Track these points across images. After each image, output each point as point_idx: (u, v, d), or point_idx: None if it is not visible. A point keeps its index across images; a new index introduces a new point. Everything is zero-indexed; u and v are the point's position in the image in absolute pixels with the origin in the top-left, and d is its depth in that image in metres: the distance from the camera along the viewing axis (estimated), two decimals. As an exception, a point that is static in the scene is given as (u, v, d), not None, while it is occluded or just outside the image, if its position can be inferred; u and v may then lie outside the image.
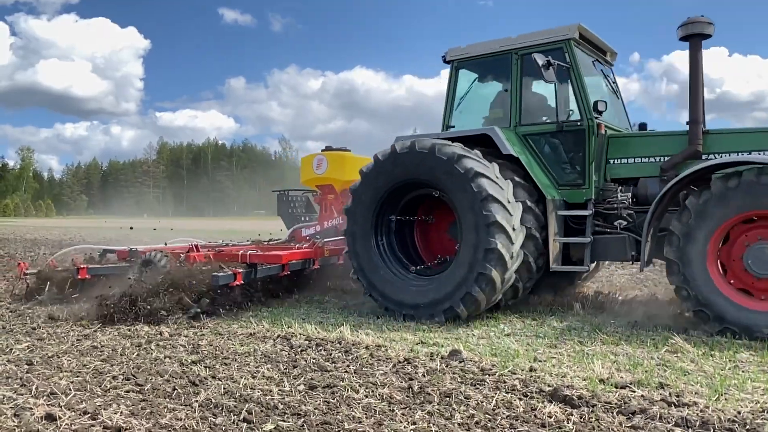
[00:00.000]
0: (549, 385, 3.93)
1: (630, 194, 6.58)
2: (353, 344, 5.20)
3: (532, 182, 6.60)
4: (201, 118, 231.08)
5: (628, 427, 3.23)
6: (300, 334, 5.66)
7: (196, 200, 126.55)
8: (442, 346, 5.17)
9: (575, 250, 6.64)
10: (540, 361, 4.66)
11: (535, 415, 3.42)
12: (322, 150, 9.98)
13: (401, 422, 3.34)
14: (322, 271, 8.31)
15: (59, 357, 4.87)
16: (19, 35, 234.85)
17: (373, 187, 6.80)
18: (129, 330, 5.88)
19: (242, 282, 6.67)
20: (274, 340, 5.44)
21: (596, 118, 6.54)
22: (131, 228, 32.35)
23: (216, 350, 5.11)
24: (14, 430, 3.23)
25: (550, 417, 3.38)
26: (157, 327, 6.02)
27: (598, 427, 3.23)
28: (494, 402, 3.65)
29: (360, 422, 3.34)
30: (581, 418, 3.37)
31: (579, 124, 6.61)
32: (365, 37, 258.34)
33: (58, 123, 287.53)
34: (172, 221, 55.51)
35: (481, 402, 3.66)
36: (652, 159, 6.54)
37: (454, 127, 7.50)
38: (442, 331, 5.85)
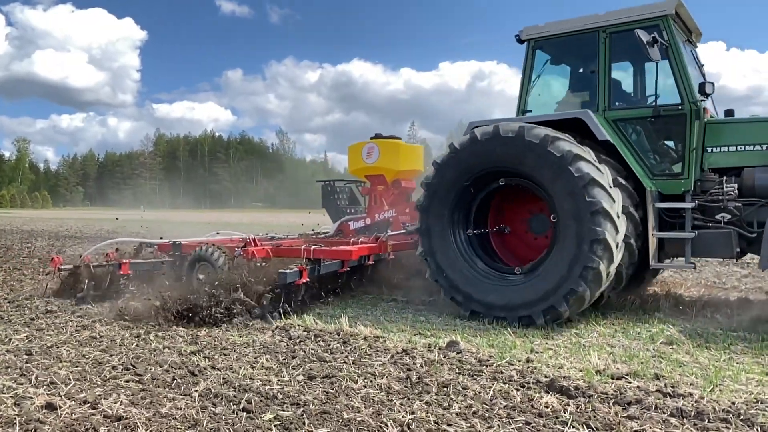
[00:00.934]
0: (546, 376, 3.97)
1: (735, 185, 5.92)
2: (351, 335, 5.23)
3: (626, 172, 6.13)
4: (198, 110, 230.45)
5: (623, 417, 3.27)
6: (298, 325, 5.68)
7: (193, 192, 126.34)
8: (440, 337, 5.20)
9: (672, 246, 6.10)
10: (537, 352, 4.70)
11: (532, 405, 3.45)
12: (371, 138, 9.41)
13: (399, 411, 3.37)
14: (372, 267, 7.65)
15: (58, 347, 4.88)
16: (15, 25, 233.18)
17: (450, 178, 6.22)
18: (128, 321, 5.90)
19: (307, 279, 6.17)
20: (273, 332, 5.47)
21: (701, 101, 6.02)
22: (117, 219, 32.43)
23: (215, 341, 5.13)
24: (15, 419, 3.25)
25: (547, 407, 3.41)
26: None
27: (595, 417, 3.26)
28: (491, 392, 3.68)
29: (359, 412, 3.37)
30: (578, 408, 3.41)
31: (680, 108, 6.02)
32: (363, 29, 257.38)
33: (54, 114, 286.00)
34: (168, 214, 55.44)
35: (479, 392, 3.69)
36: (758, 147, 5.96)
37: (531, 111, 6.83)
38: (439, 323, 5.88)
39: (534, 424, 3.17)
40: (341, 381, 3.94)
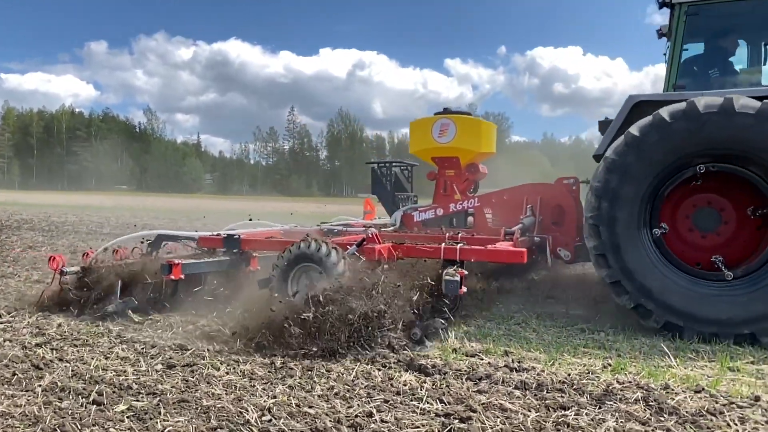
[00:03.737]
0: (407, 356, 4.14)
1: None
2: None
3: None
4: (55, 83, 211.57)
5: (474, 391, 3.51)
6: (160, 313, 5.43)
7: (47, 173, 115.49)
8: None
9: None
10: (400, 334, 4.87)
11: (391, 384, 3.60)
12: (439, 113, 8.01)
13: (261, 396, 3.37)
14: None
15: None
16: None
17: (648, 159, 5.01)
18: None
19: (466, 289, 4.89)
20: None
21: None
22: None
23: (65, 332, 4.78)
24: None
25: (405, 385, 3.57)
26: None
27: (448, 392, 3.47)
28: (354, 373, 3.78)
29: (219, 398, 3.32)
30: (433, 384, 3.61)
31: None
32: (242, 7, 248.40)
33: None
34: (17, 195, 50.40)
35: (342, 374, 3.78)
36: None
37: (684, 87, 5.77)
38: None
39: (392, 402, 3.31)
40: (203, 369, 3.85)
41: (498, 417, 3.10)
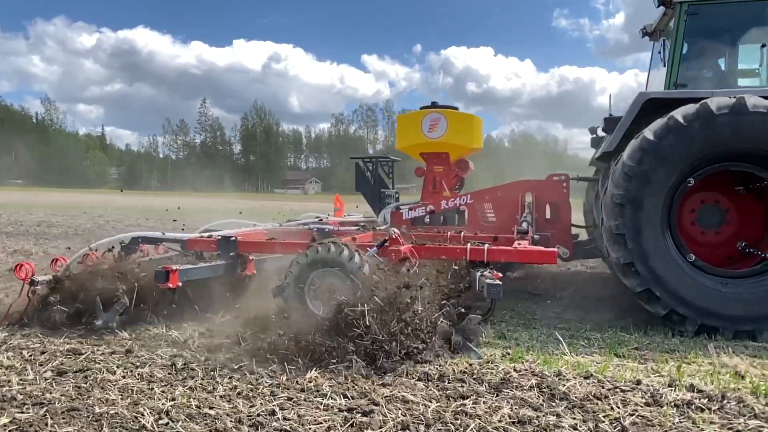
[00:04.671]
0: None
1: None
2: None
3: None
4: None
5: (378, 384, 3.56)
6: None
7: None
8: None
9: None
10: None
11: (297, 382, 3.57)
12: (426, 107, 7.77)
13: (160, 399, 3.26)
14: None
15: None
16: None
17: (670, 160, 5.04)
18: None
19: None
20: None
21: None
22: None
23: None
24: None
25: (310, 382, 3.56)
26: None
27: (353, 387, 3.49)
28: (258, 373, 3.73)
29: (113, 404, 3.18)
30: (338, 380, 3.62)
31: None
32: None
33: None
34: None
35: (245, 373, 3.72)
36: None
37: (686, 86, 5.91)
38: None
39: (295, 399, 3.30)
40: (97, 374, 3.67)
41: (399, 409, 3.17)
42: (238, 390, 3.43)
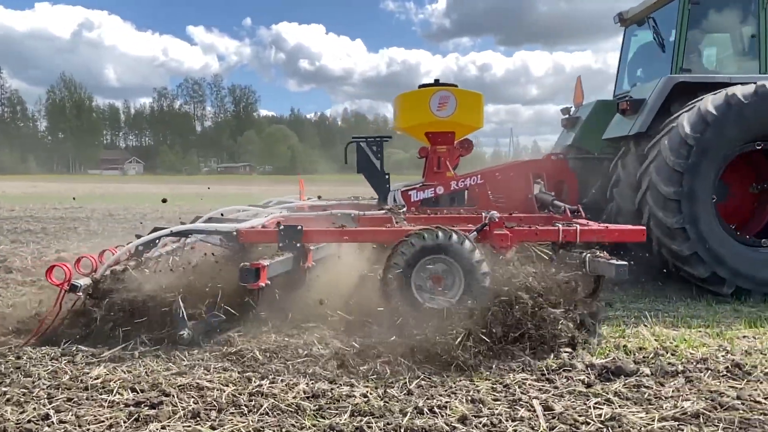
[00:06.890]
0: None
1: None
2: None
3: None
4: None
5: (174, 374, 3.44)
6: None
7: None
8: None
9: None
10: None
11: (81, 381, 3.32)
12: (426, 85, 7.38)
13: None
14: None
15: None
16: None
17: (728, 133, 5.68)
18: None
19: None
20: None
21: None
22: None
23: None
24: None
25: (97, 379, 3.33)
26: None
27: (145, 379, 3.34)
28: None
29: None
30: (129, 373, 3.45)
31: None
32: None
33: None
34: None
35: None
36: None
37: (690, 71, 6.64)
38: None
39: (76, 399, 3.06)
40: None
41: (192, 397, 3.09)
42: (7, 397, 3.09)
